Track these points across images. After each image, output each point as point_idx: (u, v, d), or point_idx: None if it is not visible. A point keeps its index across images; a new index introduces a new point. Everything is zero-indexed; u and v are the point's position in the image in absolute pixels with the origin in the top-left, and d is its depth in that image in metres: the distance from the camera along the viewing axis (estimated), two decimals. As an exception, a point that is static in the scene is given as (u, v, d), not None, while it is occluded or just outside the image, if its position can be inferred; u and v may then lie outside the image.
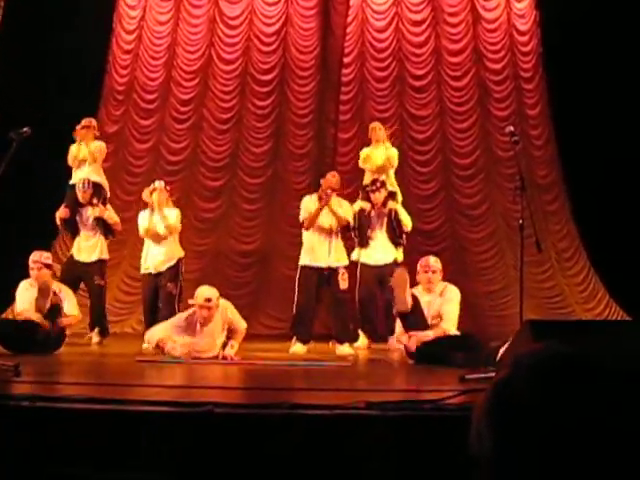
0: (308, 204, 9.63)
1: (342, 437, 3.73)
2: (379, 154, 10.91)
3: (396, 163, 10.99)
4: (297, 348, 9.22)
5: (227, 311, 8.48)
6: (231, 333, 8.42)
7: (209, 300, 8.23)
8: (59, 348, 8.78)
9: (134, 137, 14.13)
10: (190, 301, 8.58)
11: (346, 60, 14.22)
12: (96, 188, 10.52)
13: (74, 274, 10.21)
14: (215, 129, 14.01)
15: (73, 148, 10.85)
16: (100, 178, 10.75)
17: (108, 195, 10.84)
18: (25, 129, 7.05)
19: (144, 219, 10.11)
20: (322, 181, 9.85)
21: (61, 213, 10.51)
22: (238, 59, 14.30)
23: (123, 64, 14.26)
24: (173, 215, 10.15)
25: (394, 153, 10.99)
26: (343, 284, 9.49)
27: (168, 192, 10.31)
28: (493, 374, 5.39)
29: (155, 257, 10.03)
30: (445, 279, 8.53)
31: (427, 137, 13.99)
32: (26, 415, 3.90)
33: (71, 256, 10.54)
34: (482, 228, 13.53)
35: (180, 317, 8.63)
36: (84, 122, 10.92)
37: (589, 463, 1.26)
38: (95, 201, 10.38)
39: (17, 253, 9.70)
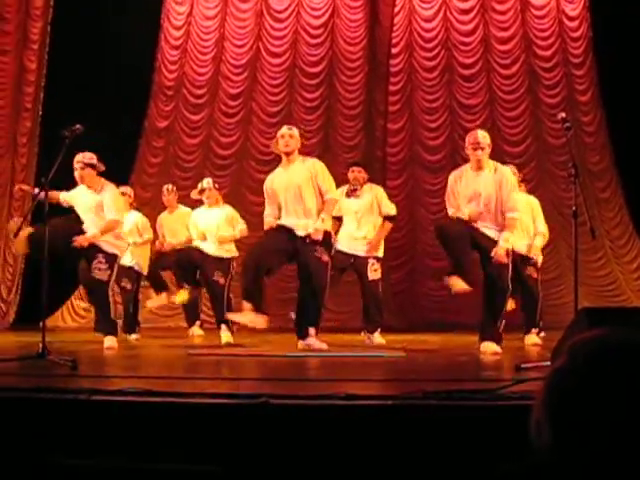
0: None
1: (399, 427, 3.73)
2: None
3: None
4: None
5: None
6: None
7: None
8: None
9: (184, 132, 14.22)
10: None
11: (394, 50, 14.19)
12: None
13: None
14: (264, 122, 14.04)
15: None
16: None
17: None
18: (77, 126, 7.10)
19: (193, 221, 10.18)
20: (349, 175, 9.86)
21: None
22: (286, 52, 14.33)
23: (172, 60, 14.36)
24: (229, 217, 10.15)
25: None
26: (373, 275, 9.54)
27: (217, 190, 10.30)
28: (549, 363, 5.35)
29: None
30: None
31: (477, 126, 13.82)
32: (83, 408, 3.95)
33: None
34: (534, 216, 13.43)
35: None
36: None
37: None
38: None
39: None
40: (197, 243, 10.05)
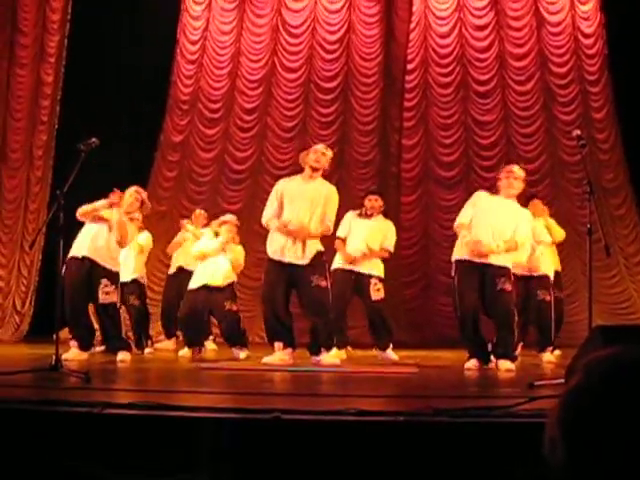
0: (346, 219, 9.79)
1: (410, 443, 3.71)
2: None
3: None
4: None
5: None
6: None
7: None
8: None
9: (199, 146, 14.25)
10: None
11: (409, 66, 14.20)
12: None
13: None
14: (279, 137, 14.06)
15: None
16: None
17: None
18: (93, 140, 7.13)
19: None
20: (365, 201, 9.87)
21: None
22: (301, 67, 14.35)
23: (187, 74, 14.40)
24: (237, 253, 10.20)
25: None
26: (376, 294, 9.53)
27: (238, 228, 10.30)
28: (562, 380, 5.33)
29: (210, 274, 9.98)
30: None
31: (492, 142, 13.89)
32: (96, 422, 3.94)
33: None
34: (549, 234, 13.40)
35: None
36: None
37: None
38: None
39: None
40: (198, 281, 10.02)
